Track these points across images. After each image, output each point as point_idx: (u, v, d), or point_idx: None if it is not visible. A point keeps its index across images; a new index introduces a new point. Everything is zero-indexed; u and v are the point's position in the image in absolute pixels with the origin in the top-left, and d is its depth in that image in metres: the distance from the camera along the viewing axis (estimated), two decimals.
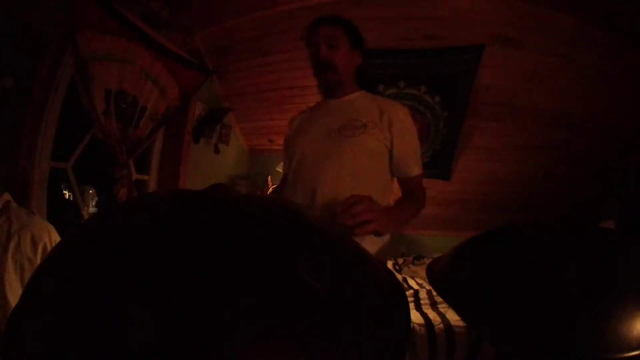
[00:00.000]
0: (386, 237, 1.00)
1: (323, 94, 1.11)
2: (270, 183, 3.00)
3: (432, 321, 1.79)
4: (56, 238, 1.18)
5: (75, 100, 1.72)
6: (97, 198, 2.50)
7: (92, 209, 2.37)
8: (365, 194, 0.93)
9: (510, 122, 2.36)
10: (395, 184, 1.09)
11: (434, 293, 2.10)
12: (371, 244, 0.93)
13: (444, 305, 1.95)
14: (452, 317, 1.79)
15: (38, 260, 1.10)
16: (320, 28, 1.02)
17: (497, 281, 0.43)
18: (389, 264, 2.70)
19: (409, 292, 2.23)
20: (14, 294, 1.04)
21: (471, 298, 0.43)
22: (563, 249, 0.43)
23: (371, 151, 0.99)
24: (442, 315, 1.83)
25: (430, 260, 0.63)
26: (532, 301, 0.38)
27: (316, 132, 1.05)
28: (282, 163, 1.21)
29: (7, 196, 1.22)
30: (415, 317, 1.85)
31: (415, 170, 1.04)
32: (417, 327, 1.77)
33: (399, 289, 0.33)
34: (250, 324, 0.20)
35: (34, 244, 1.11)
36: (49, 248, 1.14)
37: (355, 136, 0.98)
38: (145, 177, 2.45)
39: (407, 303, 0.30)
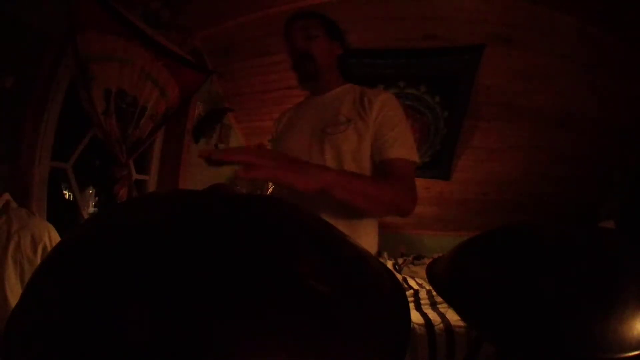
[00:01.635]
0: (371, 227, 0.94)
1: (304, 88, 1.06)
2: (270, 183, 3.00)
3: (432, 321, 1.79)
4: (56, 238, 1.19)
5: (75, 100, 1.72)
6: (97, 198, 2.50)
7: (92, 209, 2.37)
8: None
9: (510, 122, 2.36)
10: None
11: (434, 293, 2.10)
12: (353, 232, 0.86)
13: (444, 305, 1.95)
14: (452, 317, 1.79)
15: (38, 260, 1.10)
16: (295, 22, 0.99)
17: (497, 281, 0.43)
18: (389, 264, 2.71)
19: (409, 292, 2.23)
20: (14, 294, 1.04)
21: (471, 298, 0.43)
22: (563, 249, 0.43)
23: (356, 149, 0.90)
24: (442, 315, 1.83)
25: (430, 260, 0.63)
26: (532, 301, 0.38)
27: (301, 132, 1.00)
28: None
29: (7, 196, 1.22)
30: (415, 317, 1.85)
31: (394, 152, 0.87)
32: (417, 327, 1.77)
33: (399, 289, 0.33)
34: (250, 324, 0.20)
35: (34, 244, 1.11)
36: (49, 248, 1.14)
37: (339, 133, 0.91)
38: (145, 177, 2.45)
39: (407, 303, 0.30)
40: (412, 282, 2.44)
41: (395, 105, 0.94)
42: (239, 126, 3.13)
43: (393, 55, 2.23)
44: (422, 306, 2.01)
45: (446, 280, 0.49)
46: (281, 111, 1.16)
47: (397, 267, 2.79)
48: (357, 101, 0.95)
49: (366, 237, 0.92)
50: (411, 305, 2.03)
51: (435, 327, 1.75)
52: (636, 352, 0.32)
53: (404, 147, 0.88)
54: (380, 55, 2.23)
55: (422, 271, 2.53)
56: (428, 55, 2.19)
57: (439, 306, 1.97)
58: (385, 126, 0.89)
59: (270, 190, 2.90)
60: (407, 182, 0.86)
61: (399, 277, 2.65)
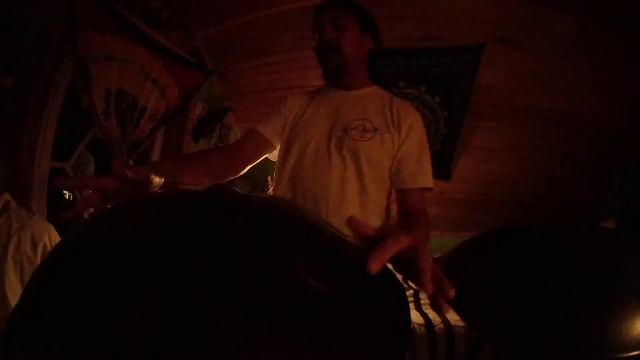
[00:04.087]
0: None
1: (328, 83, 0.98)
2: (270, 183, 3.00)
3: (432, 321, 1.79)
4: (56, 238, 1.19)
5: (75, 100, 1.72)
6: None
7: (92, 209, 2.37)
8: (371, 211, 0.86)
9: (510, 122, 2.35)
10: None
11: None
12: None
13: None
14: (452, 317, 1.79)
15: (38, 260, 1.10)
16: (326, 10, 0.91)
17: (498, 281, 0.43)
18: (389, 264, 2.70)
19: (409, 292, 2.23)
20: (14, 294, 1.04)
21: (471, 298, 0.43)
22: (563, 249, 0.43)
23: (377, 161, 0.87)
24: (442, 315, 1.83)
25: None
26: (532, 301, 0.38)
27: (321, 126, 0.91)
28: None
29: (7, 196, 1.22)
30: (415, 317, 1.84)
31: (422, 180, 0.88)
32: (417, 327, 1.77)
33: (399, 289, 0.33)
34: (250, 323, 0.20)
35: (34, 244, 1.11)
36: (49, 248, 1.14)
37: (364, 140, 0.86)
38: None
39: (407, 303, 0.30)
40: (412, 282, 2.43)
41: (422, 129, 0.93)
42: (239, 126, 3.13)
43: (393, 55, 2.23)
44: (422, 306, 2.01)
45: None
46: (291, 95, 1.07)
47: (397, 267, 2.78)
48: (386, 111, 0.91)
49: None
50: (411, 305, 2.03)
51: (435, 327, 1.75)
52: (636, 352, 0.32)
53: (425, 176, 0.90)
54: (380, 55, 2.23)
55: None
56: (428, 55, 2.19)
57: None
58: (411, 154, 0.89)
59: (271, 190, 2.90)
60: (426, 212, 0.90)
61: (399, 277, 2.64)
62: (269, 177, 3.06)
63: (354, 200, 0.86)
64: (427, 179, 0.90)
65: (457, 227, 2.87)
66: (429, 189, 0.91)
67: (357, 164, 0.86)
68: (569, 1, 1.77)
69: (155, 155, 2.49)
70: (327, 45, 0.89)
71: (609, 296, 0.36)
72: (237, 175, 0.93)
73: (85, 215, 1.99)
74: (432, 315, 1.84)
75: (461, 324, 1.70)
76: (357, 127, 0.88)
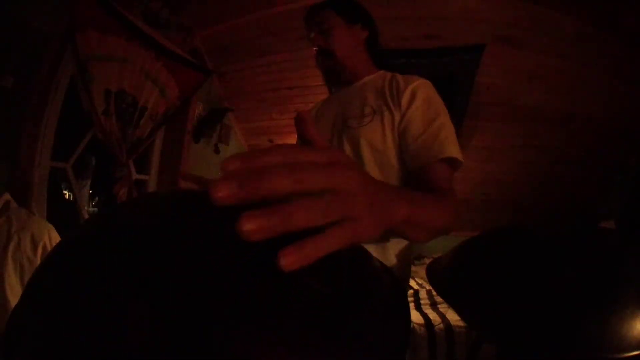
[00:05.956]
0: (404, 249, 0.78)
1: (330, 85, 0.98)
2: None
3: (432, 321, 1.79)
4: (56, 238, 1.19)
5: (75, 100, 1.72)
6: (96, 198, 2.50)
7: (92, 209, 2.37)
8: None
9: (510, 122, 2.36)
10: None
11: (434, 293, 2.10)
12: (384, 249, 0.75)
13: (444, 305, 1.95)
14: (452, 317, 1.79)
15: (38, 260, 1.10)
16: (311, 19, 0.92)
17: (498, 281, 0.43)
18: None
19: (409, 292, 2.23)
20: (14, 294, 1.04)
21: (471, 298, 0.43)
22: (563, 250, 0.43)
23: (378, 143, 0.78)
24: (442, 315, 1.84)
25: (430, 260, 0.63)
26: (532, 301, 0.38)
27: (323, 127, 0.91)
28: None
29: (7, 196, 1.22)
30: (415, 317, 1.85)
31: (435, 154, 0.72)
32: (417, 327, 1.77)
33: (399, 289, 0.34)
34: (250, 324, 0.20)
35: (34, 244, 1.11)
36: (49, 248, 1.14)
37: (362, 126, 0.80)
38: (145, 177, 2.45)
39: (407, 303, 0.30)
40: (412, 282, 2.44)
41: (429, 93, 0.81)
42: (239, 126, 3.13)
43: (393, 55, 2.23)
44: (422, 306, 2.01)
45: (446, 280, 0.49)
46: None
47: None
48: (385, 89, 0.84)
49: (397, 260, 0.76)
50: (411, 305, 2.03)
51: (435, 327, 1.75)
52: (636, 352, 0.32)
53: (445, 146, 0.73)
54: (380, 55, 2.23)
55: (422, 271, 2.53)
56: (428, 55, 2.19)
57: (439, 306, 1.97)
58: (418, 122, 0.75)
59: None
60: (455, 194, 0.70)
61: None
62: None
63: None
64: (448, 150, 0.72)
65: (457, 227, 2.87)
66: (455, 161, 0.74)
67: (357, 152, 0.79)
68: (569, 1, 1.77)
69: (156, 155, 2.50)
70: (319, 52, 0.90)
71: (609, 296, 0.36)
72: None
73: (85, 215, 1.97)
74: (432, 315, 1.85)
75: (461, 324, 1.71)
76: (356, 115, 0.83)
